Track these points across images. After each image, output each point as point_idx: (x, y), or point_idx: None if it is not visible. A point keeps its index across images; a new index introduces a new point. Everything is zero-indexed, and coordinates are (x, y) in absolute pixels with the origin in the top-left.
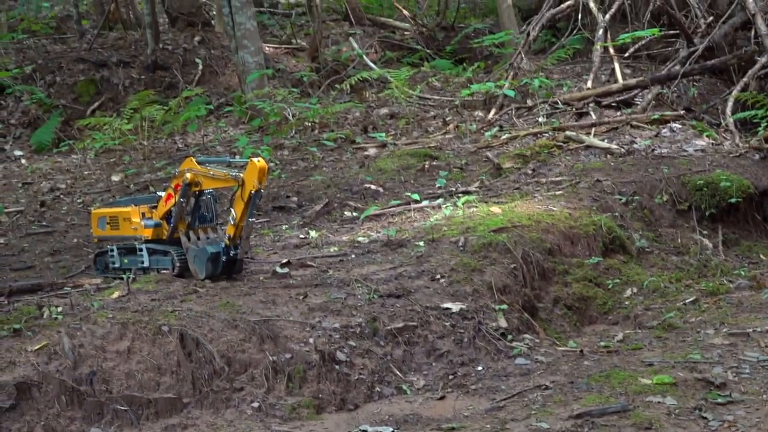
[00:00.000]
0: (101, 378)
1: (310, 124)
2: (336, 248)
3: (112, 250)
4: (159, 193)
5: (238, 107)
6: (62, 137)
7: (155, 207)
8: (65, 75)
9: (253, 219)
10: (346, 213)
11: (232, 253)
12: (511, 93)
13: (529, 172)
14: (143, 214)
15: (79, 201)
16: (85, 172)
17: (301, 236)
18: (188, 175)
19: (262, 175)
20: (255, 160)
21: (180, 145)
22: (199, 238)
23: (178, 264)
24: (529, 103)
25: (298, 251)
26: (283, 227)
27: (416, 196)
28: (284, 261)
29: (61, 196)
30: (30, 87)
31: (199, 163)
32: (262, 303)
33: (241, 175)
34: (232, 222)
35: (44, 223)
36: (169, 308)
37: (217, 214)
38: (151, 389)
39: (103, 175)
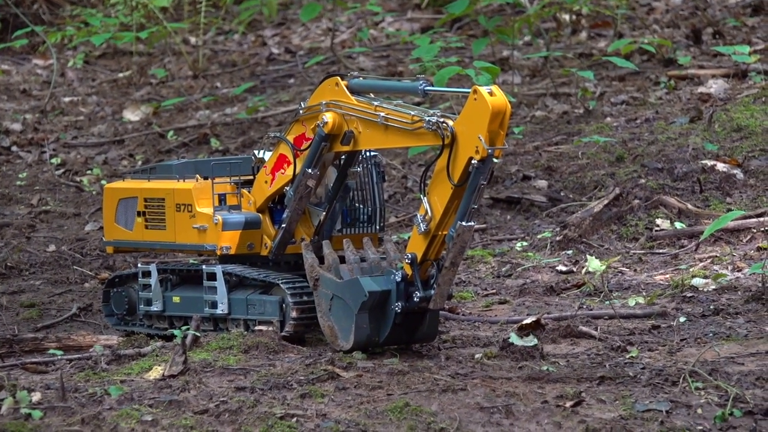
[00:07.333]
0: None
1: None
2: (642, 299)
3: (145, 275)
4: (256, 154)
5: None
6: (12, 20)
7: (248, 184)
8: None
9: (473, 223)
10: (659, 221)
11: (417, 295)
12: None
13: None
14: (221, 199)
15: (54, 161)
16: (66, 99)
17: (562, 267)
18: (328, 116)
19: (496, 125)
20: (483, 90)
21: (276, 51)
22: (344, 260)
23: (294, 314)
24: None
25: (556, 301)
26: (518, 245)
27: None
28: (528, 320)
29: (14, 147)
30: None
31: (352, 90)
32: (483, 411)
33: (450, 122)
34: (422, 228)
35: None
36: (276, 410)
37: (384, 208)
38: None
39: (105, 107)
